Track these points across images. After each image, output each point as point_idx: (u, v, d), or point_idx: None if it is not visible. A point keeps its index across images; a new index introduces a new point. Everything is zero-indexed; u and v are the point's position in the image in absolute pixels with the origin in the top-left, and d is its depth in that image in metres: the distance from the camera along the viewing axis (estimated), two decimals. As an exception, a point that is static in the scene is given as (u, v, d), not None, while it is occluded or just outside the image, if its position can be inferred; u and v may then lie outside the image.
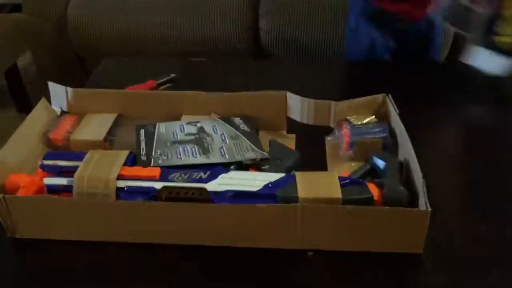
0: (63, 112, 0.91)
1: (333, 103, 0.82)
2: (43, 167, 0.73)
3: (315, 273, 0.64)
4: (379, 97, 0.83)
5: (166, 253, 0.66)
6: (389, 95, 0.83)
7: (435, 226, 0.61)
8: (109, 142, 0.84)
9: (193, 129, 0.82)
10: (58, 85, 0.90)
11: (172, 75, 1.06)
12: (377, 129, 0.80)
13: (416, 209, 0.62)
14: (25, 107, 2.09)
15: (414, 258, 0.65)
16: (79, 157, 0.72)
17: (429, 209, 0.60)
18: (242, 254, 0.66)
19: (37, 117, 0.85)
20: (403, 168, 0.72)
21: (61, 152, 0.79)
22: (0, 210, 0.67)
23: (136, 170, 0.71)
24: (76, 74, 1.81)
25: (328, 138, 0.85)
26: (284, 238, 0.66)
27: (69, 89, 0.89)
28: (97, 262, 0.66)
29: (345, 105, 0.83)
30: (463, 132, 0.94)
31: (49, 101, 0.90)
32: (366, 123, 0.82)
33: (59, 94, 0.90)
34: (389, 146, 0.79)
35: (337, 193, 0.65)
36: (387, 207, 0.62)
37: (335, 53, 1.49)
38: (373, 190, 0.67)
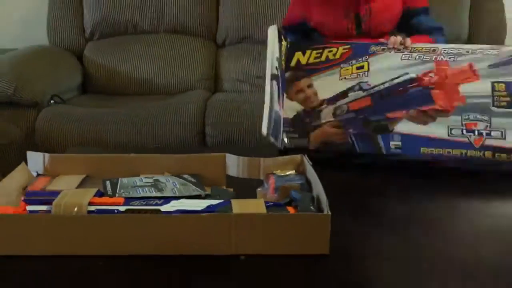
0: (38, 175, 1.08)
1: (262, 159, 1.05)
2: (26, 201, 0.89)
3: (247, 274, 0.81)
4: (298, 156, 1.07)
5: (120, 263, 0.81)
6: (305, 155, 1.07)
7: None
8: (78, 193, 1.01)
9: (149, 180, 1.01)
10: (36, 152, 1.08)
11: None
12: (296, 178, 1.03)
13: (320, 213, 0.83)
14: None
15: (322, 259, 0.83)
16: (55, 194, 0.90)
17: (329, 213, 0.81)
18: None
19: (17, 176, 1.02)
20: (315, 201, 0.93)
21: (40, 191, 0.96)
22: (-13, 229, 0.82)
23: (104, 199, 0.88)
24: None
25: (258, 189, 1.05)
26: (220, 245, 0.83)
27: (46, 155, 1.08)
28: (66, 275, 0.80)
29: (271, 161, 1.06)
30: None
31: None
32: (288, 175, 1.04)
33: (37, 160, 1.08)
34: (306, 190, 1.00)
35: (263, 210, 0.85)
36: (299, 213, 0.82)
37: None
38: (290, 210, 0.88)
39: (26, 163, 1.06)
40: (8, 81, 1.91)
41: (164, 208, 0.86)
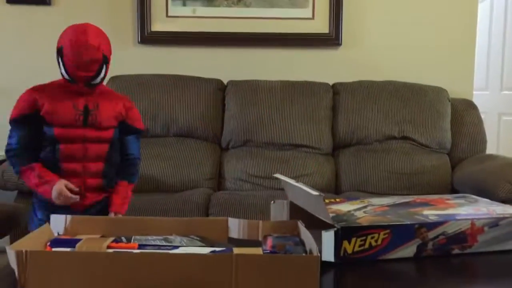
0: (59, 235, 1.20)
1: (260, 222, 1.18)
2: (51, 245, 1.01)
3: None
4: (293, 221, 1.20)
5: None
6: (300, 221, 1.19)
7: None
8: (95, 247, 1.12)
9: (160, 237, 1.13)
10: (59, 215, 1.21)
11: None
12: (292, 238, 1.14)
13: (310, 255, 0.94)
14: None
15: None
16: (77, 240, 1.02)
17: (319, 255, 0.93)
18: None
19: (41, 233, 1.13)
20: (308, 253, 1.04)
21: (63, 238, 1.08)
22: (18, 265, 0.93)
23: (121, 245, 1.00)
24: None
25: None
26: (222, 285, 0.93)
27: (68, 216, 1.21)
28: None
29: (269, 224, 1.18)
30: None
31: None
32: (284, 236, 1.16)
33: (59, 221, 1.21)
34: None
35: (259, 252, 0.97)
36: (293, 255, 0.94)
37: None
38: (285, 257, 0.99)
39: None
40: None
41: (173, 251, 0.98)
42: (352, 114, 2.59)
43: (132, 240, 1.10)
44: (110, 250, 0.98)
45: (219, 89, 2.64)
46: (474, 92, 2.96)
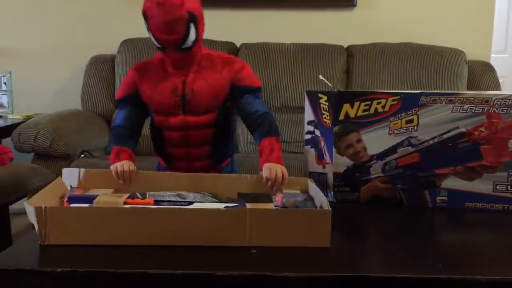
0: (72, 188, 1.22)
1: (270, 178, 1.19)
2: (69, 201, 1.03)
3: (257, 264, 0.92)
4: (303, 178, 1.21)
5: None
6: (311, 179, 1.21)
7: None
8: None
9: (173, 193, 1.15)
10: (72, 168, 1.24)
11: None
12: (301, 195, 1.16)
13: (322, 208, 0.96)
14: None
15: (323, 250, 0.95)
16: (94, 196, 1.04)
17: (330, 209, 0.94)
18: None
19: (54, 187, 1.15)
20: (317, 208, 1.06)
21: (80, 194, 1.10)
22: (39, 221, 0.95)
23: (136, 201, 1.03)
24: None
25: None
26: (236, 237, 0.95)
27: (82, 170, 1.23)
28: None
29: (280, 181, 1.20)
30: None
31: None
32: (294, 192, 1.17)
33: (72, 175, 1.22)
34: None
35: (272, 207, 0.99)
36: (304, 209, 0.95)
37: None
38: (296, 212, 1.01)
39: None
40: (46, 136, 2.12)
41: (189, 207, 1.00)
42: (366, 77, 2.56)
43: (147, 196, 1.12)
44: (127, 206, 1.00)
45: (232, 52, 2.62)
46: (492, 55, 2.89)
